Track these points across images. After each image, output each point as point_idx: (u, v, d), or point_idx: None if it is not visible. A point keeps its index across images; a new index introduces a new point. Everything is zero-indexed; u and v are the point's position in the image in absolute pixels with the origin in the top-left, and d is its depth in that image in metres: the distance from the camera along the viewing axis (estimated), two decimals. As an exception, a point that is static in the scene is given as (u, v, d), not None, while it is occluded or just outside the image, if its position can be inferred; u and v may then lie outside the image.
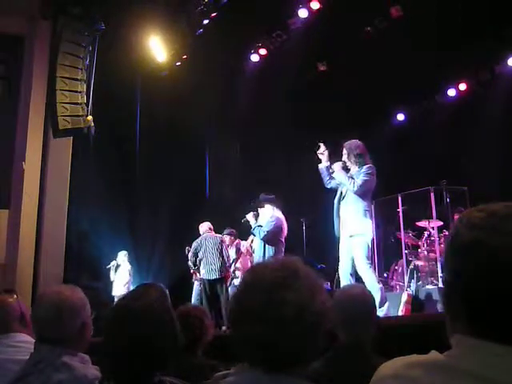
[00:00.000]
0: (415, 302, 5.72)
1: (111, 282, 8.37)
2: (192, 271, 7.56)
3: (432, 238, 6.86)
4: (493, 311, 0.83)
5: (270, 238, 6.04)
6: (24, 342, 2.34)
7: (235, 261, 7.75)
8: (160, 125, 9.47)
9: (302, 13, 8.00)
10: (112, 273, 8.39)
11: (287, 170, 10.07)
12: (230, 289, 7.16)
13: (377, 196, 5.08)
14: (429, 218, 6.83)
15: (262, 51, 8.96)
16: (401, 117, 10.57)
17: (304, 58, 8.91)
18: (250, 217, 6.36)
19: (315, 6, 7.86)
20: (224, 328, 5.70)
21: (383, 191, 5.79)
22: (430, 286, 6.22)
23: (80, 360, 1.81)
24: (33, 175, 6.97)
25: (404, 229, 7.08)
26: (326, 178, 5.04)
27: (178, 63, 8.51)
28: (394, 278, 7.27)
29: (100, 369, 1.78)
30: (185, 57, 8.42)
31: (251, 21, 7.97)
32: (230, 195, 10.16)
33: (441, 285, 5.87)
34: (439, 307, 5.10)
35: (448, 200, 6.56)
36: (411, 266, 6.69)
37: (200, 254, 7.16)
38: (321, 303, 1.11)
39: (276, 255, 5.87)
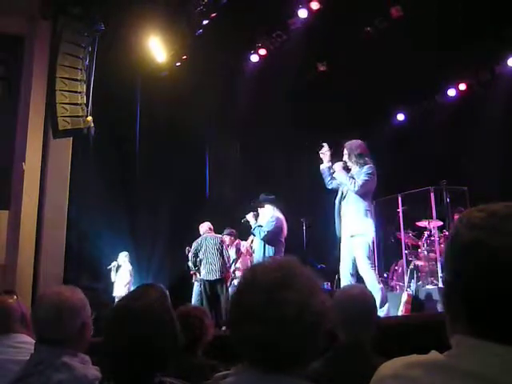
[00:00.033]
0: (415, 301, 5.72)
1: (112, 283, 8.36)
2: (192, 272, 7.55)
3: (432, 238, 6.86)
4: (493, 311, 0.83)
5: (270, 238, 6.05)
6: (24, 343, 2.34)
7: (235, 261, 7.75)
8: (160, 125, 9.47)
9: (302, 13, 8.00)
10: (113, 273, 8.39)
11: (287, 170, 10.07)
12: (230, 289, 7.16)
13: (377, 196, 5.08)
14: (429, 218, 6.83)
15: (262, 51, 8.95)
16: (401, 117, 10.57)
17: (304, 58, 8.91)
18: (249, 217, 6.36)
19: (315, 6, 7.86)
20: (224, 328, 5.70)
21: (383, 191, 5.79)
22: (429, 286, 6.22)
23: (80, 360, 1.82)
24: (33, 175, 6.97)
25: (404, 229, 7.08)
26: (327, 179, 5.04)
27: (178, 63, 8.51)
28: (394, 277, 7.27)
29: (100, 369, 1.78)
30: (184, 57, 8.42)
31: (251, 21, 7.97)
32: (229, 195, 10.15)
33: (441, 285, 5.87)
34: (439, 307, 5.10)
35: (448, 200, 6.56)
36: (411, 266, 6.69)
37: (200, 255, 7.16)
38: (320, 303, 1.11)
39: (276, 255, 5.88)
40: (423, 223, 7.09)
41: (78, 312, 1.86)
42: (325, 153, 5.01)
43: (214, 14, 7.73)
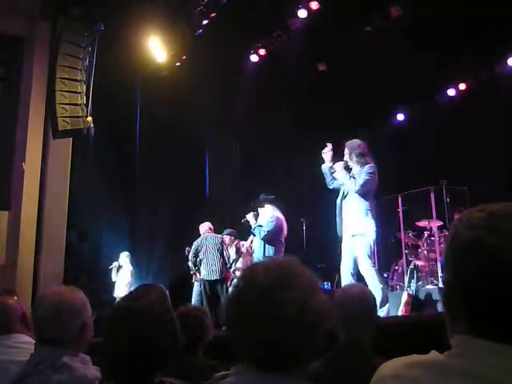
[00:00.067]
0: (415, 301, 5.72)
1: (113, 283, 8.37)
2: (192, 272, 7.55)
3: (432, 238, 6.87)
4: (493, 311, 0.83)
5: (270, 238, 6.05)
6: (25, 343, 2.34)
7: (235, 261, 7.75)
8: (160, 125, 9.47)
9: (302, 13, 7.99)
10: (114, 274, 8.39)
11: (287, 170, 10.07)
12: (230, 289, 7.16)
13: (377, 196, 5.08)
14: (429, 217, 6.83)
15: (262, 51, 8.96)
16: (401, 117, 10.57)
17: (304, 58, 8.91)
18: (249, 217, 6.36)
19: (315, 6, 7.86)
20: (224, 328, 5.69)
21: (383, 191, 5.79)
22: (430, 286, 6.22)
23: (80, 360, 1.81)
24: (33, 176, 6.97)
25: (404, 229, 7.08)
26: (328, 179, 5.04)
27: (178, 63, 8.51)
28: (394, 277, 7.27)
29: (100, 369, 1.79)
30: (184, 57, 8.42)
31: (251, 21, 7.96)
32: (229, 195, 10.16)
33: (441, 285, 5.87)
34: (439, 307, 5.11)
35: (448, 200, 6.56)
36: (411, 266, 6.69)
37: (200, 255, 7.16)
38: (320, 303, 1.11)
39: (276, 255, 5.88)
40: (423, 223, 7.10)
41: (78, 312, 1.86)
42: (326, 153, 5.02)
43: (213, 14, 7.73)
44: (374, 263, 4.76)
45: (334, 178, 4.98)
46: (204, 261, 7.11)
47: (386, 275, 7.42)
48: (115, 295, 8.19)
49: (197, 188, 9.76)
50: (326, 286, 7.51)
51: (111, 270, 8.39)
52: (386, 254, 7.74)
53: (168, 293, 1.62)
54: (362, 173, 4.76)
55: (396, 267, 7.31)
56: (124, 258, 8.46)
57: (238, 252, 7.86)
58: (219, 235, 7.45)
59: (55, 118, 6.37)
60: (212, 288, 7.03)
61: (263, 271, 1.12)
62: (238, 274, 7.58)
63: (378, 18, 8.09)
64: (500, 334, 0.82)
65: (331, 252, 7.76)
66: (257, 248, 6.31)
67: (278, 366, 1.08)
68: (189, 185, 9.38)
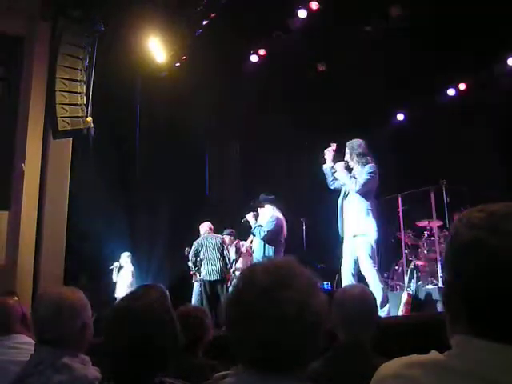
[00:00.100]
0: (415, 301, 5.72)
1: (114, 283, 8.37)
2: (192, 272, 7.55)
3: (432, 238, 6.87)
4: (493, 311, 0.83)
5: (270, 238, 6.05)
6: (25, 344, 2.34)
7: (235, 261, 7.75)
8: (160, 125, 9.47)
9: (302, 13, 7.99)
10: (115, 274, 8.39)
11: (287, 170, 10.06)
12: (230, 289, 7.15)
13: (377, 196, 5.08)
14: (429, 217, 6.83)
15: (262, 51, 8.95)
16: (401, 117, 10.57)
17: (304, 58, 8.91)
18: (249, 217, 6.36)
19: (315, 6, 7.86)
20: (224, 328, 5.69)
21: (383, 191, 5.79)
22: (430, 286, 6.22)
23: (80, 361, 1.82)
24: (33, 176, 6.97)
25: (404, 229, 7.08)
26: (329, 179, 5.04)
27: (178, 64, 8.51)
28: (394, 277, 7.27)
29: (100, 369, 1.79)
30: (184, 57, 8.42)
31: (251, 21, 7.97)
32: (230, 195, 10.16)
33: (441, 285, 5.87)
34: (439, 307, 5.10)
35: (448, 200, 6.56)
36: (411, 266, 6.69)
37: (201, 255, 7.16)
38: (320, 303, 1.12)
39: (276, 255, 5.89)
40: (423, 223, 7.10)
41: (78, 312, 1.86)
42: (328, 152, 5.01)
43: (213, 15, 7.73)
44: (376, 263, 4.75)
45: (335, 178, 4.98)
46: (204, 261, 7.11)
47: (386, 275, 7.42)
48: (116, 295, 8.19)
49: (197, 188, 9.76)
50: (326, 286, 7.50)
51: (112, 270, 8.40)
52: (386, 254, 7.74)
53: (168, 293, 1.62)
54: (362, 172, 4.76)
55: (396, 267, 7.31)
56: (125, 258, 8.46)
57: (238, 252, 7.86)
58: (220, 235, 7.45)
59: (55, 118, 6.37)
60: (212, 288, 7.03)
61: (262, 271, 1.12)
62: (237, 274, 7.58)
63: (377, 18, 8.08)
64: (500, 333, 0.82)
65: (331, 252, 7.76)
66: (257, 248, 6.31)
67: (278, 366, 1.08)
68: (189, 185, 9.38)
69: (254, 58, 9.06)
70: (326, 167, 5.04)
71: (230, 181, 10.42)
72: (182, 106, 8.97)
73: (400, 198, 7.17)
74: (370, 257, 4.68)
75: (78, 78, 6.53)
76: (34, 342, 2.04)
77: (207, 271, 7.07)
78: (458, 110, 9.20)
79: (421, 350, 0.91)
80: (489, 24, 7.33)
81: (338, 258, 5.23)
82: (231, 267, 7.43)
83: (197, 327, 2.72)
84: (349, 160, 4.91)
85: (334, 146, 5.03)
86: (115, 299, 8.02)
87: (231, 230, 7.95)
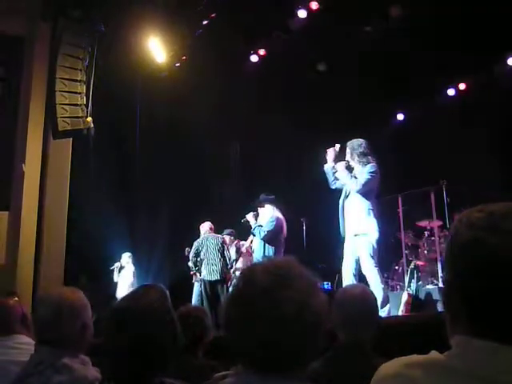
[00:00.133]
0: (415, 301, 5.72)
1: (114, 284, 8.37)
2: (192, 272, 7.55)
3: (432, 238, 6.87)
4: (493, 311, 0.83)
5: (270, 238, 6.05)
6: (26, 344, 2.34)
7: (235, 261, 7.75)
8: (160, 125, 9.47)
9: (302, 13, 7.99)
10: (116, 274, 8.40)
11: (287, 170, 10.06)
12: (230, 289, 7.15)
13: (377, 196, 5.08)
14: (429, 217, 6.83)
15: (262, 51, 8.95)
16: (401, 117, 10.57)
17: (304, 59, 8.90)
18: (249, 217, 6.37)
19: (315, 6, 7.86)
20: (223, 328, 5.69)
21: (383, 191, 5.79)
22: (430, 286, 6.22)
23: (80, 361, 1.82)
24: (33, 176, 6.97)
25: (404, 229, 7.08)
26: (331, 179, 5.03)
27: (178, 64, 8.51)
28: (394, 277, 7.28)
29: (100, 370, 1.79)
30: (184, 58, 8.43)
31: (251, 21, 7.97)
32: (229, 195, 10.16)
33: (441, 285, 5.87)
34: (439, 307, 5.10)
35: (448, 200, 6.56)
36: (411, 266, 6.69)
37: (202, 255, 7.16)
38: (320, 303, 1.12)
39: (276, 255, 5.89)
40: (423, 223, 7.09)
41: (78, 313, 1.86)
42: (330, 152, 5.01)
43: (213, 14, 7.73)
44: (377, 263, 4.75)
45: (337, 178, 4.98)
46: (205, 261, 7.11)
47: (386, 275, 7.42)
48: (117, 296, 8.19)
49: (197, 188, 9.75)
50: (326, 286, 7.50)
51: (113, 270, 8.40)
52: (386, 254, 7.73)
53: (168, 293, 1.62)
54: (363, 172, 4.75)
55: (396, 267, 7.31)
56: (126, 258, 8.47)
57: (239, 252, 7.86)
58: (220, 235, 7.46)
59: (55, 118, 6.37)
60: (212, 288, 7.03)
61: (262, 271, 1.12)
62: (237, 274, 7.59)
63: (377, 18, 8.08)
64: (500, 333, 0.82)
65: (331, 252, 7.76)
66: (257, 248, 6.31)
67: (278, 366, 1.08)
68: (189, 185, 9.38)
69: (254, 58, 9.06)
70: (327, 167, 5.04)
71: (230, 181, 10.42)
72: (181, 106, 8.98)
73: (400, 198, 7.17)
74: (372, 256, 4.67)
75: (78, 78, 6.52)
76: (33, 342, 2.04)
77: (208, 271, 7.07)
78: (457, 110, 9.20)
79: (421, 350, 0.91)
80: (489, 24, 7.33)
81: (338, 258, 5.23)
82: (231, 267, 7.44)
83: (197, 327, 2.72)
84: (350, 160, 4.91)
85: (337, 146, 5.03)
86: (116, 299, 8.03)
87: (231, 230, 7.95)
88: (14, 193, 6.89)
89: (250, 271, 1.17)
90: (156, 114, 9.34)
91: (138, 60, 8.05)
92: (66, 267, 7.06)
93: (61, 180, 7.21)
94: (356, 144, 4.90)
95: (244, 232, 7.41)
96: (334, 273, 6.94)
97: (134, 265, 8.52)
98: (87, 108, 6.60)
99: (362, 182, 4.70)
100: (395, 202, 7.22)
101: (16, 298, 2.68)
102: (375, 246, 4.72)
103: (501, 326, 0.83)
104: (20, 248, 6.67)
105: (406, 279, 6.60)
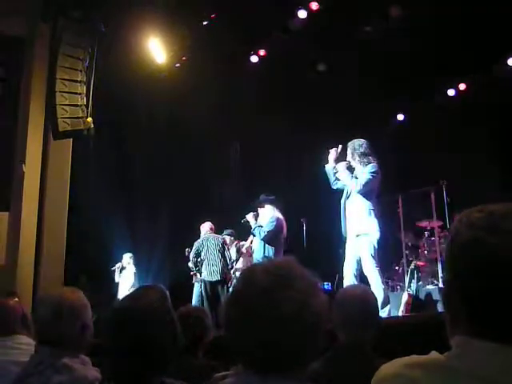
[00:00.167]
0: (415, 302, 5.72)
1: (114, 284, 8.38)
2: (192, 273, 7.54)
3: (432, 238, 6.87)
4: (493, 311, 0.83)
5: (271, 239, 6.05)
6: (26, 344, 2.34)
7: (236, 261, 7.75)
8: (160, 125, 9.47)
9: (302, 13, 7.99)
10: (117, 275, 8.40)
11: (287, 170, 10.06)
12: (230, 290, 7.14)
13: (378, 196, 5.08)
14: (429, 218, 6.83)
15: (262, 52, 8.95)
16: (401, 117, 10.57)
17: (304, 59, 8.90)
18: (249, 217, 6.36)
19: (315, 6, 7.85)
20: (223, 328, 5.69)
21: (383, 191, 5.80)
22: (430, 286, 6.22)
23: (80, 362, 1.82)
24: (33, 176, 6.97)
25: (404, 229, 7.08)
26: (332, 179, 5.03)
27: (178, 64, 8.51)
28: (395, 278, 7.27)
29: (100, 370, 1.79)
30: (184, 58, 8.43)
31: (251, 21, 7.96)
32: (229, 195, 10.16)
33: (441, 285, 5.87)
34: (439, 307, 5.10)
35: (448, 200, 6.56)
36: (411, 266, 6.69)
37: (202, 255, 7.16)
38: (320, 304, 1.12)
39: (276, 255, 5.89)
40: (423, 223, 7.09)
41: (78, 313, 1.86)
42: (331, 152, 5.01)
43: (213, 15, 7.73)
44: (378, 263, 4.75)
45: (338, 179, 4.97)
46: (205, 261, 7.11)
47: (385, 275, 7.42)
48: (119, 296, 8.19)
49: (197, 188, 9.76)
50: (326, 287, 7.50)
51: (114, 271, 8.41)
52: (386, 254, 7.73)
53: (168, 293, 1.62)
54: (364, 172, 4.75)
55: (396, 267, 7.31)
56: (127, 259, 8.48)
57: (239, 252, 7.86)
58: (221, 236, 7.46)
59: (55, 118, 6.37)
60: (212, 288, 7.03)
61: (262, 271, 1.12)
62: (237, 274, 7.58)
63: (377, 18, 8.08)
64: (500, 334, 0.82)
65: (332, 252, 7.76)
66: (257, 248, 6.31)
67: (278, 366, 1.08)
68: (189, 185, 9.38)
69: (254, 58, 9.06)
70: (329, 167, 5.03)
71: (230, 181, 10.42)
72: (181, 106, 8.98)
73: (400, 198, 7.17)
74: (373, 257, 4.67)
75: (79, 79, 6.52)
76: (34, 342, 2.04)
77: (208, 272, 7.07)
78: (458, 110, 9.20)
79: (421, 351, 0.91)
80: (489, 24, 7.32)
81: (338, 259, 5.23)
82: (232, 268, 7.43)
83: (197, 328, 2.72)
84: (351, 160, 4.91)
85: (339, 147, 5.02)
86: (117, 300, 8.03)
87: (231, 231, 7.95)
88: (14, 193, 6.89)
89: (250, 271, 1.17)
90: (156, 114, 9.34)
91: (138, 60, 8.05)
92: (66, 267, 7.06)
93: (61, 180, 7.22)
94: (357, 144, 4.90)
95: (244, 232, 7.40)
96: (334, 273, 6.95)
97: (134, 265, 8.53)
98: (87, 108, 6.60)
99: (363, 182, 4.70)
100: (395, 202, 7.22)
101: (16, 299, 2.68)
102: (376, 246, 4.72)
103: (501, 326, 0.83)
104: (20, 248, 6.67)
105: (406, 279, 6.60)
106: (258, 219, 6.32)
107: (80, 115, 6.48)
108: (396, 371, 0.88)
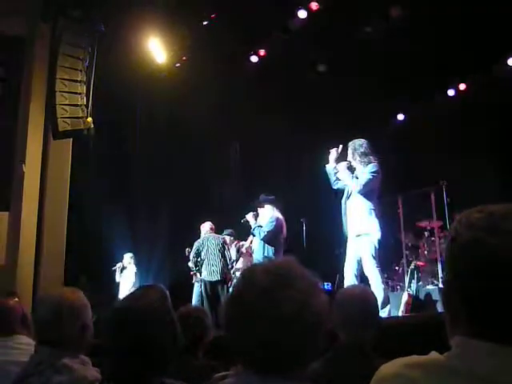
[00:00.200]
0: (415, 302, 5.72)
1: (115, 284, 8.38)
2: (192, 273, 7.54)
3: (432, 239, 6.87)
4: (493, 311, 0.83)
5: (270, 239, 6.05)
6: (26, 344, 2.34)
7: (236, 261, 7.75)
8: (160, 125, 9.48)
9: (302, 13, 7.99)
10: (117, 275, 8.41)
11: (287, 170, 10.07)
12: (230, 290, 7.14)
13: (378, 196, 5.08)
14: (429, 218, 6.83)
15: (262, 52, 8.95)
16: (401, 117, 10.57)
17: (304, 59, 8.90)
18: (249, 217, 6.37)
19: (315, 6, 7.85)
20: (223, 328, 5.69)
21: (383, 191, 5.81)
22: (430, 286, 6.22)
23: (80, 362, 1.82)
24: (33, 176, 6.97)
25: (404, 229, 7.08)
26: (332, 179, 5.03)
27: (178, 64, 8.51)
28: (395, 278, 7.28)
29: (100, 370, 1.79)
30: (184, 58, 8.43)
31: (251, 21, 7.96)
32: (229, 195, 10.16)
33: (441, 285, 5.87)
34: (439, 307, 5.10)
35: (448, 200, 6.56)
36: (411, 266, 6.69)
37: (202, 255, 7.16)
38: (320, 304, 1.12)
39: (276, 255, 5.89)
40: (424, 223, 7.09)
41: (78, 313, 1.86)
42: (332, 152, 5.01)
43: (213, 15, 7.73)
44: (379, 263, 4.75)
45: (338, 179, 4.97)
46: (205, 261, 7.11)
47: (386, 275, 7.42)
48: (120, 296, 8.19)
49: (197, 188, 9.76)
50: (326, 287, 7.50)
51: (114, 271, 8.41)
52: (386, 255, 7.73)
53: (168, 293, 1.62)
54: (364, 172, 4.75)
55: (396, 267, 7.31)
56: (128, 259, 8.48)
57: (239, 252, 7.86)
58: (221, 236, 7.46)
59: (55, 118, 6.36)
60: (213, 288, 7.03)
61: (262, 271, 1.12)
62: (237, 274, 7.58)
63: (377, 18, 8.08)
64: (500, 334, 0.82)
65: (331, 252, 7.76)
66: (256, 248, 6.31)
67: (278, 366, 1.08)
68: (189, 185, 9.38)
69: (254, 58, 9.06)
70: (329, 167, 5.03)
71: (230, 181, 10.42)
72: (181, 106, 8.98)
73: (400, 199, 7.17)
74: (373, 257, 4.67)
75: (79, 79, 6.52)
76: (34, 342, 2.04)
77: (208, 271, 7.07)
78: (458, 110, 9.20)
79: (421, 351, 0.91)
80: (489, 24, 7.32)
81: (338, 259, 5.23)
82: (232, 268, 7.43)
83: (197, 328, 2.72)
84: (351, 160, 4.90)
85: (340, 147, 5.02)
86: (117, 300, 8.03)
87: (231, 231, 7.95)
88: (14, 193, 6.89)
89: (250, 271, 1.17)
90: (156, 114, 9.34)
91: (138, 60, 8.06)
92: (66, 267, 7.06)
93: (61, 180, 7.21)
94: (357, 144, 4.90)
95: (244, 232, 7.40)
96: (334, 273, 6.94)
97: (135, 265, 8.53)
98: (87, 108, 6.60)
99: (363, 182, 4.70)
100: (395, 202, 7.22)
101: (16, 299, 2.68)
102: (377, 246, 4.71)
103: (501, 326, 0.83)
104: (20, 248, 6.67)
105: (406, 280, 6.60)
106: (258, 219, 6.32)
107: (80, 115, 6.48)
108: (396, 371, 0.88)
